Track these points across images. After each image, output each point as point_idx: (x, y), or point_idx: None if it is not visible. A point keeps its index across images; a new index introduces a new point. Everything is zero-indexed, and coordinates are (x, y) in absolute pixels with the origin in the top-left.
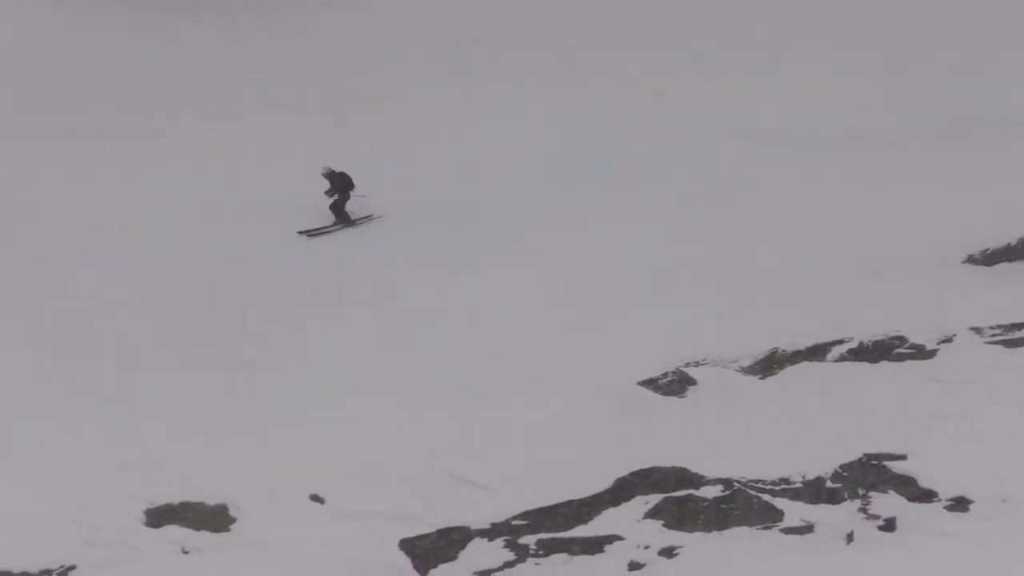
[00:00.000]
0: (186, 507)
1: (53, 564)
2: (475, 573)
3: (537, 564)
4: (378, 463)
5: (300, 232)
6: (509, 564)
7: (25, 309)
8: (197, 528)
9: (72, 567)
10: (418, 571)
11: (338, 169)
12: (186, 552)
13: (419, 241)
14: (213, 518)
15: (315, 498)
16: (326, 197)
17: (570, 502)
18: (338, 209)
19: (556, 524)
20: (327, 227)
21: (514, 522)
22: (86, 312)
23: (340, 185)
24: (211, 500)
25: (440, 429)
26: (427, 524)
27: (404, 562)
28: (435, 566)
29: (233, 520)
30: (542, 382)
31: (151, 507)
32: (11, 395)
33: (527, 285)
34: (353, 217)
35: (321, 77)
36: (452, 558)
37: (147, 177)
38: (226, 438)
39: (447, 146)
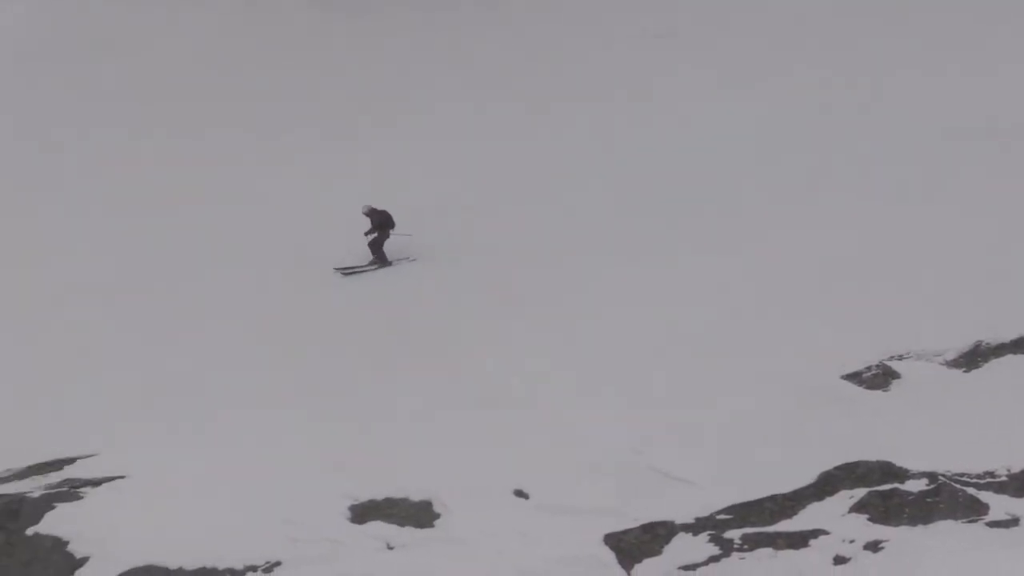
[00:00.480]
0: (391, 503)
1: (258, 560)
2: (680, 568)
3: (742, 559)
4: (581, 458)
5: (336, 269)
6: (714, 559)
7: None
8: (401, 524)
9: (277, 563)
10: (623, 566)
11: (379, 207)
12: (391, 548)
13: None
14: (417, 514)
15: (519, 493)
16: (366, 236)
17: (774, 496)
18: (376, 247)
19: (760, 518)
20: (362, 266)
21: (718, 517)
22: (301, 314)
23: (379, 223)
24: (415, 496)
25: (644, 425)
26: (631, 519)
27: (609, 557)
28: (640, 561)
29: (437, 516)
30: (745, 377)
31: (355, 503)
32: (221, 390)
33: (731, 282)
34: (389, 258)
35: None
36: (657, 553)
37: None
38: (430, 435)
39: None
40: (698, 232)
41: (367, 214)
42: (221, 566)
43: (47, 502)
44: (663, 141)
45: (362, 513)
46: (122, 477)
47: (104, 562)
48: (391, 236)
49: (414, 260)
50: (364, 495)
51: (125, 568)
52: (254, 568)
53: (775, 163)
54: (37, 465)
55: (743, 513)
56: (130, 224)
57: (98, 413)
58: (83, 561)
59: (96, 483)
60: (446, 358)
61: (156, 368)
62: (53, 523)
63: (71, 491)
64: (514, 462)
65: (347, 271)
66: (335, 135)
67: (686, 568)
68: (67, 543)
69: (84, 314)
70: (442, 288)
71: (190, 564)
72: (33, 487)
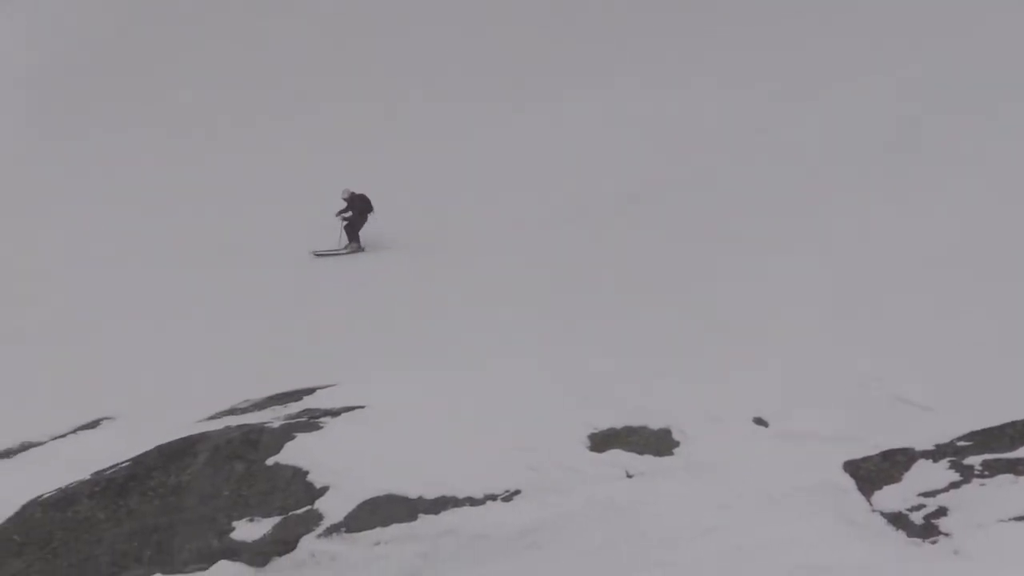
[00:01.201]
0: (630, 431)
1: (498, 489)
2: (920, 495)
3: (982, 485)
4: (820, 386)
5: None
6: (954, 485)
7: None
8: (640, 452)
9: (517, 492)
10: (862, 493)
11: (358, 192)
12: (630, 476)
13: None
14: (656, 442)
15: (758, 421)
16: (336, 216)
17: (1015, 423)
18: (352, 231)
19: (1001, 445)
20: (336, 250)
21: (958, 443)
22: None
23: (359, 208)
24: (654, 424)
25: (883, 351)
26: (871, 446)
27: (848, 484)
28: (879, 488)
29: (676, 444)
30: (984, 302)
31: (595, 432)
32: (459, 322)
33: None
34: (362, 243)
35: None
36: (896, 480)
37: None
38: (670, 362)
39: None
40: None
41: (347, 199)
42: (460, 495)
43: (287, 432)
44: None
45: (601, 441)
46: (361, 407)
47: (344, 492)
48: (368, 221)
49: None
50: (603, 423)
51: (365, 497)
52: (493, 497)
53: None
54: (276, 396)
55: (983, 439)
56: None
57: (337, 345)
58: (323, 491)
59: (335, 413)
60: (677, 293)
61: (391, 303)
62: (293, 453)
63: (310, 421)
64: (752, 390)
65: (321, 253)
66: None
67: (926, 495)
68: (307, 473)
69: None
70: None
71: (429, 493)
72: (272, 418)
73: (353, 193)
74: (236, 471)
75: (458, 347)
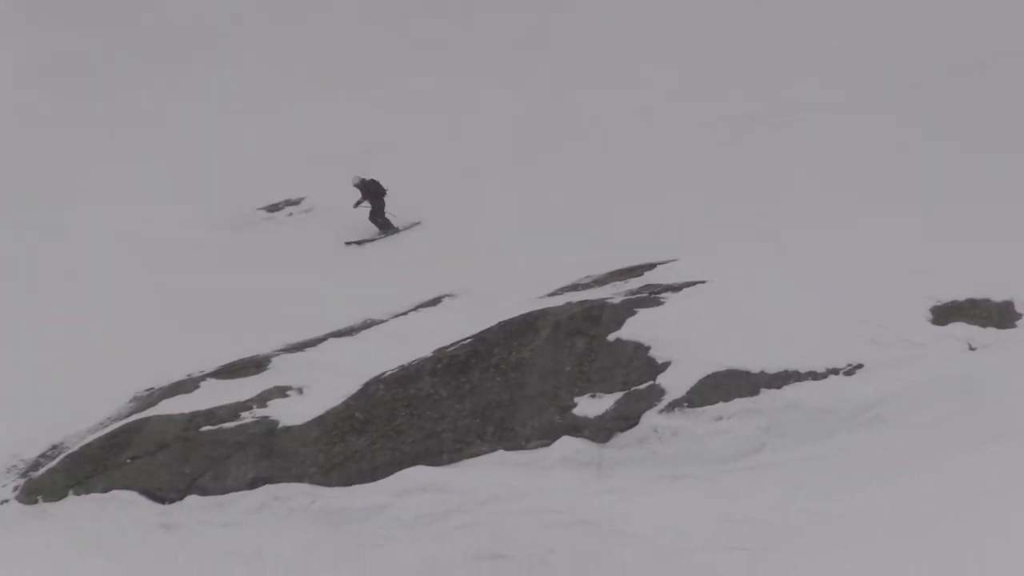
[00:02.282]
0: (972, 304)
1: (840, 363)
2: None
3: None
4: None
5: (348, 243)
6: None
7: None
8: (983, 325)
9: (859, 365)
10: None
11: (368, 177)
12: (972, 348)
13: None
14: (999, 315)
15: None
16: (355, 208)
17: None
18: (376, 217)
19: None
20: (370, 238)
21: None
22: None
23: (373, 193)
24: (997, 297)
25: None
26: None
27: None
28: None
29: (1019, 316)
30: None
31: (937, 305)
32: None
33: None
34: (395, 223)
35: None
36: None
37: None
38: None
39: None
40: None
41: (357, 186)
42: (802, 369)
43: (628, 308)
44: None
45: (943, 314)
46: (702, 283)
47: (685, 366)
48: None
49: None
50: (945, 296)
51: (706, 372)
52: (835, 371)
53: None
54: (618, 271)
55: None
56: None
57: (677, 221)
58: (665, 366)
59: (676, 289)
60: None
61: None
62: (634, 329)
63: (651, 297)
64: None
65: (356, 243)
66: None
67: None
68: (648, 348)
69: None
70: None
71: (771, 367)
72: (614, 293)
73: (363, 179)
74: (577, 347)
75: (790, 226)
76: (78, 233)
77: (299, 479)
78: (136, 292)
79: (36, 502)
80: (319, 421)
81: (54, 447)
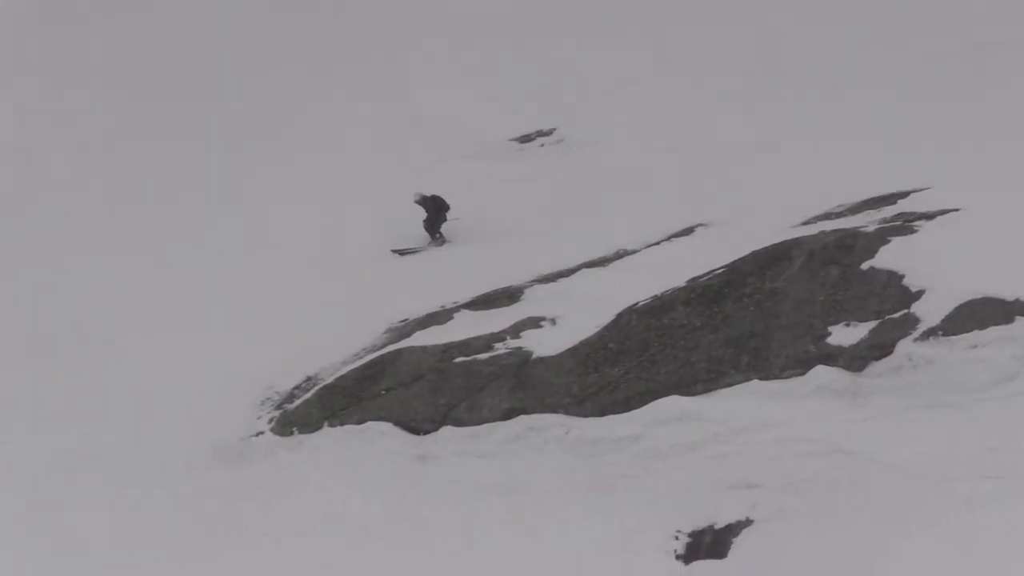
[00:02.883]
0: None
1: None
2: None
3: None
4: None
5: (393, 251)
6: None
7: None
8: None
9: None
10: None
11: (429, 194)
12: None
13: None
14: None
15: None
16: (424, 222)
17: None
18: (431, 228)
19: None
20: (416, 248)
21: None
22: None
23: (435, 208)
24: None
25: None
26: None
27: None
28: None
29: None
30: None
31: None
32: None
33: None
34: (441, 239)
35: None
36: None
37: None
38: None
39: None
40: None
41: (419, 203)
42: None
43: (881, 236)
44: None
45: None
46: (956, 211)
47: (940, 294)
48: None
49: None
50: None
51: (961, 300)
52: None
53: None
54: (871, 200)
55: None
56: None
57: (927, 150)
58: (919, 294)
59: (930, 216)
60: None
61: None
62: (888, 257)
63: (905, 225)
64: None
65: (403, 252)
66: None
67: None
68: (902, 277)
69: None
70: None
71: None
72: (867, 222)
73: (424, 196)
74: (831, 276)
75: None
76: (339, 162)
77: (553, 410)
78: (389, 221)
79: (291, 434)
80: (572, 352)
81: (308, 379)
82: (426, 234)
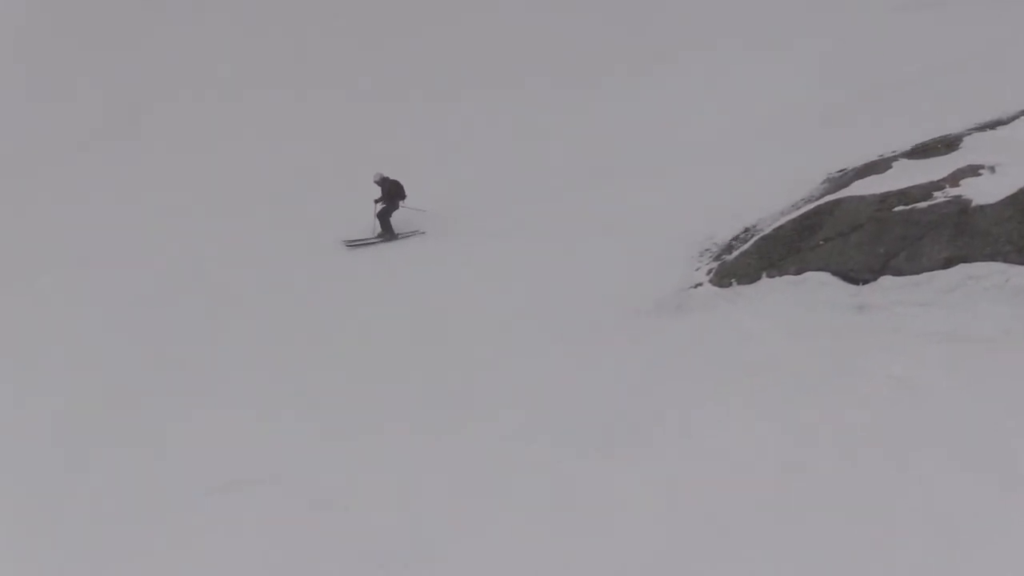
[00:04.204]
0: None
1: None
2: None
3: None
4: None
5: (345, 242)
6: None
7: None
8: None
9: None
10: None
11: (391, 177)
12: None
13: None
14: None
15: None
16: (376, 205)
17: None
18: (383, 219)
19: None
20: (368, 239)
21: None
22: None
23: (389, 193)
24: None
25: None
26: None
27: None
28: None
29: None
30: None
31: None
32: None
33: None
34: (396, 231)
35: None
36: None
37: None
38: None
39: None
40: None
41: (378, 182)
42: None
43: None
44: None
45: None
46: None
47: None
48: (400, 208)
49: (423, 233)
50: None
51: None
52: None
53: None
54: None
55: None
56: None
57: None
58: None
59: None
60: None
61: None
62: None
63: None
64: None
65: (353, 243)
66: None
67: None
68: None
69: None
70: None
71: None
72: None
73: (385, 177)
74: None
75: None
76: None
77: (992, 258)
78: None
79: (730, 284)
80: (1012, 199)
81: (747, 230)
82: (378, 225)
